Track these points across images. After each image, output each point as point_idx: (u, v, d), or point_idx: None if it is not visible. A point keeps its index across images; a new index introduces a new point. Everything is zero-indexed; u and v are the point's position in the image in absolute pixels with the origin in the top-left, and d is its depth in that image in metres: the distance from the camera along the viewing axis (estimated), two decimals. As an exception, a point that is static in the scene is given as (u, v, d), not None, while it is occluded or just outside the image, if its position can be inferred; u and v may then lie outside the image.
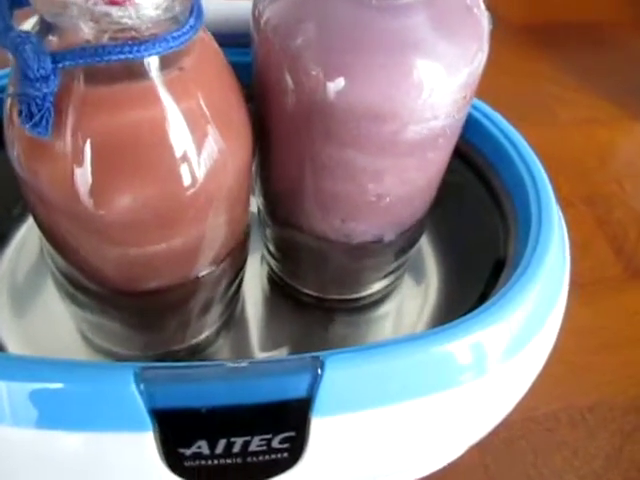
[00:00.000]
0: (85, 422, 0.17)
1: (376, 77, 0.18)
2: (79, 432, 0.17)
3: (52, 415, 0.16)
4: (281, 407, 0.17)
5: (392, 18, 0.18)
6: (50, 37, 0.16)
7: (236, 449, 0.18)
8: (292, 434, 0.18)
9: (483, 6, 0.20)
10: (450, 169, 0.24)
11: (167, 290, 0.21)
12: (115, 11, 0.14)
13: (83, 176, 0.17)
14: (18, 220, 0.27)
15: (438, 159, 0.21)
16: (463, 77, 0.19)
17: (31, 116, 0.15)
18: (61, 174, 0.17)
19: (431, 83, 0.18)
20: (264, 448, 0.18)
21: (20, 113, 0.16)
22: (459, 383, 0.19)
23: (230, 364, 0.17)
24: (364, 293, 0.27)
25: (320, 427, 0.18)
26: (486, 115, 0.26)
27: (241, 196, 0.21)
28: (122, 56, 0.15)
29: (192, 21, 0.17)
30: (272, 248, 0.27)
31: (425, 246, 0.29)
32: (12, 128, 0.17)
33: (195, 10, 0.17)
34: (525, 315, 0.20)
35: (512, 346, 0.20)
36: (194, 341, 0.25)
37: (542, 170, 0.24)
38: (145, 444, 0.17)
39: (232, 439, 0.17)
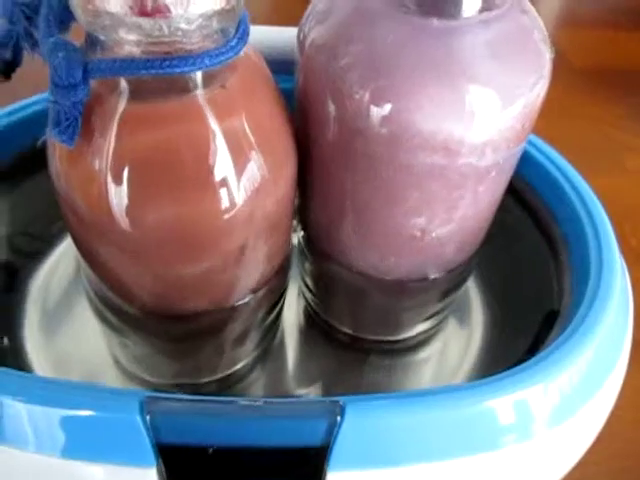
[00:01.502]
0: (85, 450, 0.15)
1: (425, 103, 0.16)
2: (78, 460, 0.15)
3: (50, 439, 0.15)
4: (294, 454, 0.15)
5: (445, 41, 0.16)
6: (95, 50, 0.16)
7: (245, 496, 0.16)
8: (305, 486, 0.16)
9: (546, 35, 0.18)
10: (504, 209, 0.22)
11: (200, 315, 0.20)
12: (146, 23, 0.14)
13: (117, 192, 0.16)
14: (58, 237, 0.26)
15: (489, 194, 0.19)
16: (519, 107, 0.17)
17: (59, 123, 0.15)
18: (95, 190, 0.16)
19: (484, 111, 0.16)
20: (275, 498, 0.16)
21: (51, 120, 0.15)
22: (499, 446, 0.17)
23: (243, 402, 0.15)
24: (403, 336, 0.25)
25: (337, 480, 0.16)
26: (547, 156, 0.24)
27: (281, 225, 0.19)
28: (153, 71, 0.14)
29: (234, 41, 0.16)
30: (310, 282, 0.25)
31: (472, 289, 0.26)
32: (52, 143, 0.17)
33: (240, 30, 0.16)
34: (578, 375, 0.17)
35: (562, 409, 0.17)
36: (227, 372, 0.24)
37: (605, 219, 0.22)
38: (148, 480, 0.16)
39: (240, 485, 0.16)
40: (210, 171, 0.16)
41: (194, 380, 0.24)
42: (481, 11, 0.16)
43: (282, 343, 0.26)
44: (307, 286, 0.25)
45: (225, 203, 0.17)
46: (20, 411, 0.15)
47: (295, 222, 0.23)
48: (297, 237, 0.24)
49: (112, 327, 0.21)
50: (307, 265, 0.24)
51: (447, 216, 0.19)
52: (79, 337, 0.24)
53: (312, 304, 0.26)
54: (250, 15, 0.17)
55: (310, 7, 0.19)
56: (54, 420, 0.15)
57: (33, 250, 0.25)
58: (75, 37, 0.16)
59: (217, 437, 0.15)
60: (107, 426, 0.15)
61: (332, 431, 0.15)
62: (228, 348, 0.23)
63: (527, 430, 0.17)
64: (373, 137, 0.17)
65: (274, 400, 0.15)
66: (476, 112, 0.17)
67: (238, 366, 0.24)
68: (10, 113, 0.23)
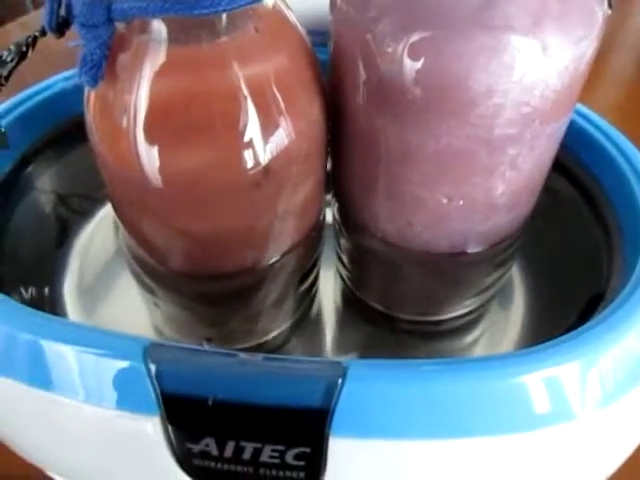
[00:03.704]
0: (90, 392, 0.14)
1: (461, 55, 0.15)
2: (82, 401, 0.15)
3: (58, 378, 0.15)
4: (292, 414, 0.14)
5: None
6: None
7: (246, 455, 0.15)
8: (307, 450, 0.14)
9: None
10: (553, 187, 0.19)
11: (230, 277, 0.19)
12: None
13: (143, 140, 0.15)
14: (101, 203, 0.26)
15: (524, 165, 0.17)
16: (563, 62, 0.15)
17: (84, 65, 0.14)
18: (123, 140, 0.15)
19: (525, 63, 0.14)
20: (277, 461, 0.15)
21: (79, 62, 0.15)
22: (533, 427, 0.14)
23: (243, 355, 0.14)
24: (441, 317, 0.23)
25: (342, 448, 0.14)
26: (604, 133, 0.21)
27: (307, 182, 0.18)
28: (172, 12, 0.14)
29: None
30: (345, 259, 0.23)
31: (515, 271, 0.24)
32: (87, 97, 0.17)
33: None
34: (623, 354, 0.15)
35: (612, 388, 0.15)
36: (260, 341, 0.23)
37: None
38: (152, 430, 0.15)
39: (241, 443, 0.14)
40: (232, 118, 0.15)
41: (227, 346, 0.23)
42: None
43: (318, 320, 0.24)
44: (343, 264, 0.24)
45: (248, 153, 0.16)
46: (30, 347, 0.15)
47: (329, 197, 0.22)
48: (332, 212, 0.22)
49: (146, 287, 0.21)
50: (342, 241, 0.23)
51: (475, 183, 0.17)
52: (116, 295, 0.24)
53: (348, 283, 0.24)
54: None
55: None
56: (57, 358, 0.14)
57: (84, 209, 0.25)
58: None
59: (215, 389, 0.14)
60: (111, 370, 0.14)
61: (332, 393, 0.13)
62: (260, 315, 0.22)
63: (568, 410, 0.14)
64: (404, 93, 0.16)
65: (275, 357, 0.14)
66: (517, 62, 0.15)
67: (271, 336, 0.23)
68: (67, 78, 0.23)
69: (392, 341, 0.23)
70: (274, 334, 0.23)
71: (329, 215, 0.22)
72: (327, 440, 0.14)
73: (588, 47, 0.15)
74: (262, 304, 0.21)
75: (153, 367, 0.14)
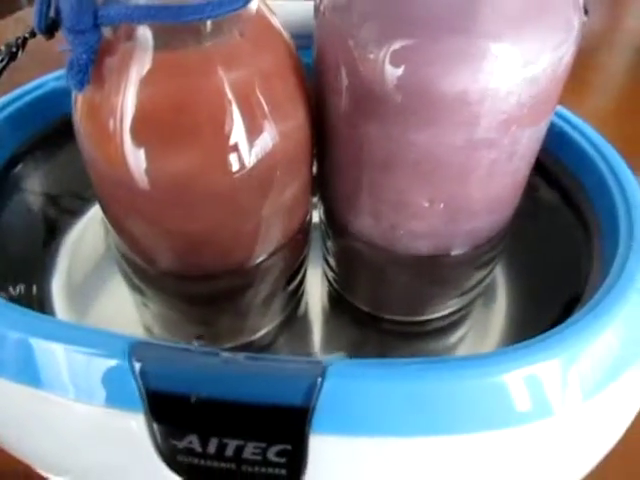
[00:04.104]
0: (79, 390, 0.15)
1: (441, 62, 0.15)
2: (72, 399, 0.15)
3: (47, 376, 0.15)
4: (274, 412, 0.14)
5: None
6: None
7: (229, 452, 0.15)
8: (288, 447, 0.15)
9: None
10: (533, 188, 0.20)
11: (218, 277, 0.19)
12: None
13: (129, 143, 0.15)
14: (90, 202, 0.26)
15: (504, 168, 0.17)
16: (540, 67, 0.15)
17: (71, 68, 0.15)
18: (109, 140, 0.16)
19: (503, 68, 0.15)
20: (259, 458, 0.15)
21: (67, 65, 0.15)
22: (515, 424, 0.15)
23: (225, 354, 0.14)
24: (426, 317, 0.23)
25: (322, 446, 0.14)
26: (588, 139, 0.22)
27: (293, 185, 0.18)
28: (158, 19, 0.14)
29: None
30: (332, 261, 0.24)
31: (498, 272, 0.24)
32: (75, 99, 0.17)
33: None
34: (600, 353, 0.15)
35: (591, 385, 0.15)
36: (250, 338, 0.23)
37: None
38: (138, 427, 0.15)
39: (224, 440, 0.15)
40: (220, 124, 0.15)
41: (216, 345, 0.23)
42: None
43: (305, 320, 0.25)
44: (329, 265, 0.24)
45: (232, 155, 0.16)
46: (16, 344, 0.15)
47: (316, 199, 0.22)
48: (319, 214, 0.23)
49: (135, 288, 0.21)
50: (328, 243, 0.23)
51: (456, 186, 0.17)
52: (106, 294, 0.24)
53: (335, 284, 0.25)
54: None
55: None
56: (46, 356, 0.15)
57: (73, 208, 0.25)
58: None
59: (198, 387, 0.14)
60: (98, 368, 0.15)
61: (312, 392, 0.14)
62: (247, 314, 0.22)
63: (546, 407, 0.15)
64: (386, 98, 0.16)
65: (257, 356, 0.15)
66: (495, 71, 0.15)
67: (259, 334, 0.23)
68: (58, 78, 0.23)
69: (378, 341, 0.24)
70: (262, 333, 0.23)
71: (316, 217, 0.23)
72: (308, 437, 0.14)
73: (566, 52, 0.16)
74: (250, 304, 0.22)
75: (138, 365, 0.14)
